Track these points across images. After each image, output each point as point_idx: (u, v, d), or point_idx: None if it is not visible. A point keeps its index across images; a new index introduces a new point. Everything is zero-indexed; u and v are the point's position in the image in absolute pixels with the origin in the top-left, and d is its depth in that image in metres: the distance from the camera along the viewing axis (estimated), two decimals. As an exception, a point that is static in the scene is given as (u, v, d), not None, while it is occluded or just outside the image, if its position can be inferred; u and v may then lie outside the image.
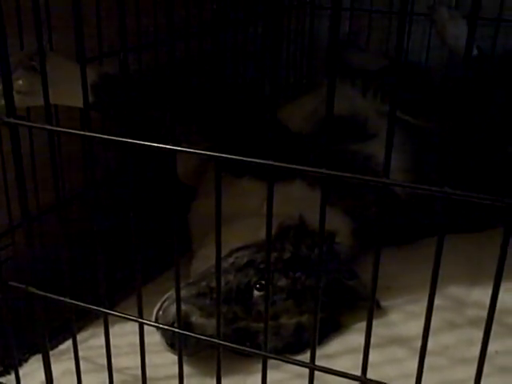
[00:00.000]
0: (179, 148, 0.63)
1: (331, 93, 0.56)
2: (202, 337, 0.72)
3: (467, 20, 1.62)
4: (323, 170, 0.57)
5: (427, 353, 1.01)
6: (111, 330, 0.75)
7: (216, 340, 0.69)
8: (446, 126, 1.34)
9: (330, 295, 1.02)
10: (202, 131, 1.07)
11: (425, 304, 1.15)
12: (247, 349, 0.69)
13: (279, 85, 1.68)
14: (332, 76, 0.56)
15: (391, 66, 1.66)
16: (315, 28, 1.87)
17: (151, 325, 0.73)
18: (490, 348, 0.99)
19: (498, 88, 1.50)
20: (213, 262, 0.99)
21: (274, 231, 1.06)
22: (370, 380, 0.64)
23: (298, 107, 1.43)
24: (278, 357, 0.67)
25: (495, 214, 1.24)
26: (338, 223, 1.16)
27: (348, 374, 0.65)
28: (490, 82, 1.52)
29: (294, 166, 0.59)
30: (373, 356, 0.97)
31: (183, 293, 0.91)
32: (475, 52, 1.56)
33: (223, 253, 1.02)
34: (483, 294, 1.10)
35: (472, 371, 0.96)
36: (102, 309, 0.73)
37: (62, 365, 0.89)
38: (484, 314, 1.14)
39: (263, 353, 0.66)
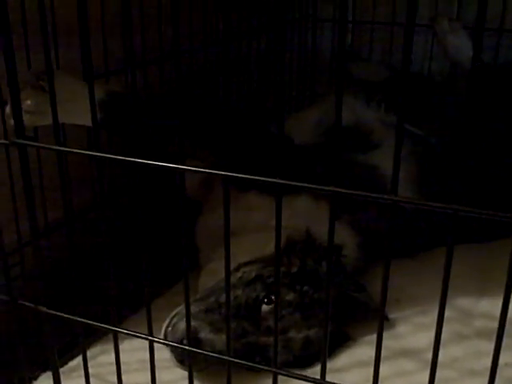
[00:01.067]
0: (187, 167, 0.63)
1: (339, 107, 0.56)
2: (212, 354, 0.72)
3: (470, 32, 1.63)
4: (331, 188, 0.57)
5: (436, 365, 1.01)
6: (120, 347, 0.75)
7: (226, 357, 0.69)
8: (448, 137, 1.34)
9: (337, 308, 1.02)
10: (207, 146, 1.07)
11: (433, 315, 1.14)
12: (257, 365, 0.69)
13: (283, 98, 1.69)
14: (339, 90, 0.56)
15: (396, 77, 1.67)
16: (318, 40, 1.88)
17: (161, 342, 0.73)
18: (500, 360, 0.99)
19: (500, 98, 1.50)
20: (221, 276, 0.99)
21: (281, 245, 1.08)
22: (381, 395, 0.64)
23: (301, 119, 1.43)
24: (288, 373, 0.67)
25: (504, 224, 1.24)
26: (344, 236, 1.16)
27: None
28: (492, 92, 1.52)
29: (302, 184, 0.59)
30: (382, 369, 0.97)
31: (192, 308, 0.91)
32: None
33: (231, 267, 1.03)
34: (492, 305, 1.10)
35: (481, 383, 0.96)
36: (111, 327, 0.73)
37: (73, 382, 0.89)
38: (492, 325, 1.14)
39: (273, 369, 0.66)
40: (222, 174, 0.62)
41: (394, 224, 0.59)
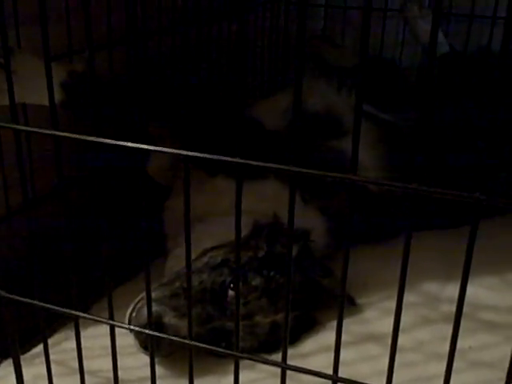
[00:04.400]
0: (148, 146, 0.62)
1: (298, 89, 0.55)
2: (174, 338, 0.72)
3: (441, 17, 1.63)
4: (290, 167, 0.56)
5: (402, 349, 1.02)
6: (84, 333, 0.74)
7: (187, 341, 0.68)
8: (417, 123, 1.34)
9: (305, 293, 1.02)
10: (174, 130, 1.06)
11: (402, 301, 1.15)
12: (219, 349, 0.68)
13: (246, 83, 1.67)
14: (298, 76, 0.55)
15: (362, 63, 1.65)
16: (290, 24, 1.86)
17: (122, 327, 0.72)
18: (464, 343, 0.99)
19: (471, 84, 1.51)
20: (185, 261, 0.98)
21: (248, 229, 1.07)
22: (342, 378, 0.64)
23: (273, 104, 1.42)
24: (250, 356, 0.66)
25: (470, 210, 1.25)
26: (312, 221, 1.16)
27: (319, 372, 0.65)
28: (463, 78, 1.53)
29: (262, 164, 0.58)
30: (347, 354, 0.97)
31: (157, 293, 0.91)
32: (447, 48, 1.57)
33: (197, 252, 1.02)
34: (457, 290, 1.11)
35: (444, 367, 0.96)
36: (72, 311, 0.71)
37: (35, 369, 0.88)
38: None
39: (235, 353, 0.66)
40: (182, 154, 0.61)
41: (354, 204, 0.58)
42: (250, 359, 0.67)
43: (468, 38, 1.71)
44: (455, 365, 0.98)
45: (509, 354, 1.03)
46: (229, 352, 0.67)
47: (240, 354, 0.65)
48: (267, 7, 1.74)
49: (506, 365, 1.00)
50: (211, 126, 1.15)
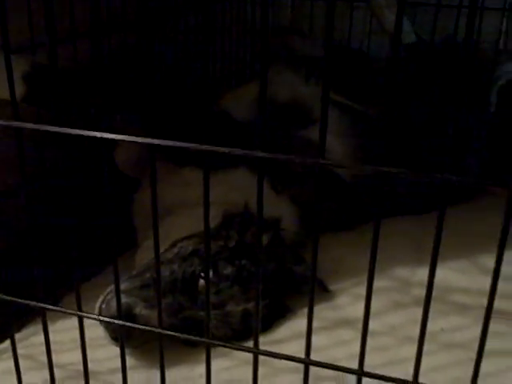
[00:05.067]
0: (115, 136, 0.61)
1: (263, 80, 0.55)
2: (143, 327, 0.71)
3: (408, 7, 1.65)
4: (257, 153, 0.56)
5: (374, 333, 1.02)
6: (54, 327, 0.73)
7: (157, 330, 0.68)
8: (386, 110, 1.35)
9: (277, 281, 1.02)
10: (140, 123, 1.05)
11: (373, 286, 1.16)
12: (190, 337, 0.67)
13: (214, 74, 1.67)
14: (264, 68, 0.55)
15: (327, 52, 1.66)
16: (257, 14, 1.86)
17: (91, 317, 0.71)
18: (436, 326, 1.00)
19: (438, 73, 1.52)
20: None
21: (218, 220, 1.07)
22: (314, 361, 0.64)
23: (241, 95, 1.42)
24: (221, 343, 0.66)
25: (440, 194, 1.27)
26: (284, 210, 1.16)
27: (292, 356, 0.65)
28: (430, 67, 1.54)
29: (228, 150, 0.58)
30: (320, 339, 0.98)
31: (126, 285, 0.90)
32: (413, 38, 1.58)
33: (168, 243, 1.02)
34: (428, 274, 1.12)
35: (415, 349, 0.97)
36: (39, 304, 0.70)
37: (2, 364, 0.87)
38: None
39: (206, 340, 0.65)
40: (147, 143, 0.60)
41: (322, 189, 0.58)
42: (221, 345, 0.66)
43: (435, 27, 1.73)
44: (427, 347, 0.99)
45: (479, 335, 1.04)
46: (199, 339, 0.66)
47: (211, 341, 0.65)
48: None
49: (477, 345, 1.01)
50: (178, 117, 1.14)
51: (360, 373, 0.63)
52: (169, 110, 1.12)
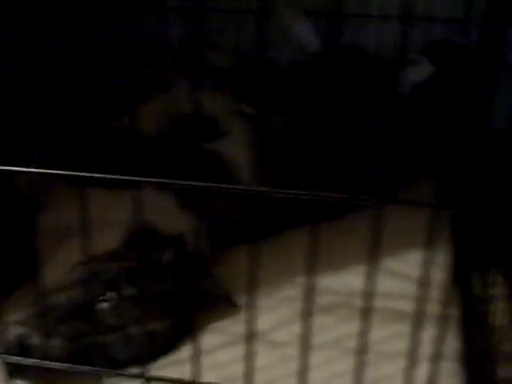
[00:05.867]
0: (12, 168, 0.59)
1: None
2: (32, 360, 0.69)
3: (312, 17, 1.68)
4: (155, 179, 0.56)
5: (280, 344, 1.04)
6: None
7: (47, 362, 0.66)
8: (291, 121, 1.38)
9: (183, 298, 1.01)
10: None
11: (280, 297, 1.17)
12: (79, 366, 0.66)
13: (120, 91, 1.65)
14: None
15: (241, 64, 1.68)
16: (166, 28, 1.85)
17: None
18: (340, 332, 1.02)
19: (342, 81, 1.56)
20: (57, 278, 0.96)
21: (122, 239, 1.05)
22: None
23: (148, 110, 1.41)
24: (109, 370, 0.66)
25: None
26: (190, 225, 1.15)
27: (181, 379, 0.65)
28: (334, 76, 1.58)
29: (116, 177, 0.57)
30: (226, 354, 0.98)
31: (22, 315, 0.88)
32: (319, 47, 1.61)
33: (68, 267, 1.00)
34: (333, 281, 1.14)
35: (322, 357, 0.99)
36: None
37: None
38: (334, 299, 1.19)
39: (96, 368, 0.65)
40: (45, 173, 0.59)
41: (233, 213, 0.59)
42: (110, 372, 0.66)
43: (337, 35, 1.77)
44: (331, 353, 1.01)
45: (381, 337, 1.07)
46: (90, 369, 0.65)
47: (99, 369, 0.64)
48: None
49: (380, 348, 1.04)
50: (80, 137, 1.13)
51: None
52: (70, 130, 1.11)
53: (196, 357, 0.66)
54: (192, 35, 1.88)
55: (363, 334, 1.03)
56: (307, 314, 1.07)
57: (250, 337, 0.97)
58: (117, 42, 1.55)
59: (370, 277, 1.19)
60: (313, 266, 0.58)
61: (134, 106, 1.45)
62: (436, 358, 0.90)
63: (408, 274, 1.13)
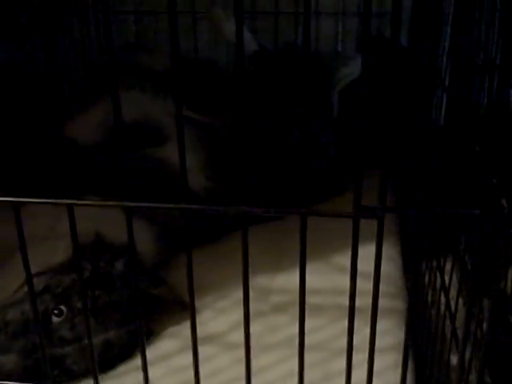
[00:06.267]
0: None
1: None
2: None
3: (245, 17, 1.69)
4: (96, 201, 0.56)
5: (236, 345, 1.05)
6: None
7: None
8: (231, 122, 1.39)
9: (136, 306, 1.01)
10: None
11: (233, 299, 1.18)
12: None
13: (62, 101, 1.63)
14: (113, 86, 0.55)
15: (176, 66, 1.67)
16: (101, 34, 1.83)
17: None
18: (295, 330, 1.04)
19: (282, 80, 1.58)
20: (7, 294, 0.94)
21: (70, 252, 1.04)
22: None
23: (86, 119, 1.39)
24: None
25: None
26: (141, 233, 1.15)
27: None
28: (274, 75, 1.60)
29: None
30: (184, 359, 0.99)
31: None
32: (256, 47, 1.63)
33: (18, 282, 0.98)
34: (286, 280, 1.16)
35: (275, 356, 1.01)
36: None
37: None
38: (287, 299, 1.21)
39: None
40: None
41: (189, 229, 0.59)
42: None
43: (276, 34, 1.80)
44: (285, 352, 1.03)
45: (333, 335, 1.10)
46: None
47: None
48: (73, 18, 1.69)
49: (331, 346, 1.07)
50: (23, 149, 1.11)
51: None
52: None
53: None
54: (129, 39, 1.87)
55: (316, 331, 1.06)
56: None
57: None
58: (49, 51, 1.53)
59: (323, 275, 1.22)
60: (247, 268, 0.59)
61: (71, 116, 1.44)
62: (384, 350, 0.94)
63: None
